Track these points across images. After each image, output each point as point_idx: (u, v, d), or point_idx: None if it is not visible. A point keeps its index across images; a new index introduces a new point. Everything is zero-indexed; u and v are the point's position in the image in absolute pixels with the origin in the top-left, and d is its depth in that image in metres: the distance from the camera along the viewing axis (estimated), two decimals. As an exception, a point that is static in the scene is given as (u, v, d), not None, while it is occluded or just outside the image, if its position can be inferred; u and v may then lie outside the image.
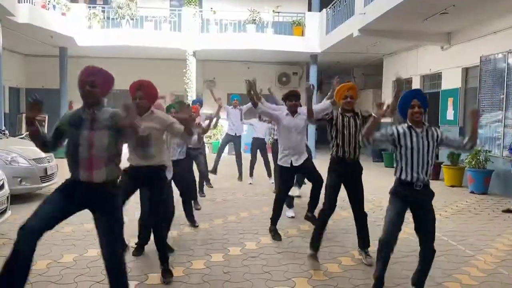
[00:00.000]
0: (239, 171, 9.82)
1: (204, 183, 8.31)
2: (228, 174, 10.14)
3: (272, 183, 9.19)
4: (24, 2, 10.70)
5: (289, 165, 5.27)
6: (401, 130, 3.53)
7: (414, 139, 3.48)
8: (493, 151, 8.77)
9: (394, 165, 3.67)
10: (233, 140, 9.82)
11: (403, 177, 3.52)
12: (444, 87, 11.00)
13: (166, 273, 3.99)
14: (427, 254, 3.61)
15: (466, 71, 10.25)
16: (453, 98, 10.52)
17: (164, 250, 4.12)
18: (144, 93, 3.96)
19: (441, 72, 11.19)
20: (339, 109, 4.62)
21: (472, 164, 8.72)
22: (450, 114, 10.66)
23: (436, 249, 4.93)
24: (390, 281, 4.06)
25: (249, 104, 9.43)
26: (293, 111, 5.37)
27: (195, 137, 5.24)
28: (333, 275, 4.17)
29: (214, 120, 6.90)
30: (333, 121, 4.51)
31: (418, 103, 3.52)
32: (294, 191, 6.58)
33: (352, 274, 4.20)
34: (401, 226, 3.52)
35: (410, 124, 3.54)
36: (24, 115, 14.33)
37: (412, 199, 3.50)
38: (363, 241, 4.66)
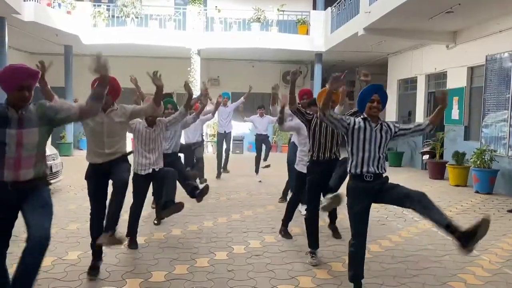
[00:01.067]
0: (220, 166, 9.91)
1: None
2: (232, 172, 10.15)
3: (260, 181, 9.24)
4: (30, 0, 10.73)
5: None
6: (357, 124, 3.51)
7: (368, 132, 3.48)
8: (499, 151, 8.73)
9: (348, 160, 3.59)
10: (225, 136, 10.02)
11: (352, 170, 3.50)
12: (449, 86, 10.95)
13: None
14: (422, 201, 3.36)
15: (471, 70, 10.20)
16: (458, 97, 10.47)
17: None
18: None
19: (446, 71, 11.14)
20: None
21: (477, 163, 8.68)
22: (455, 114, 10.62)
23: (441, 249, 4.95)
24: (395, 280, 4.06)
25: (239, 102, 9.67)
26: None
27: (188, 116, 5.38)
28: (337, 274, 4.16)
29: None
30: (311, 123, 4.51)
31: (378, 98, 3.52)
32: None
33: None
34: (367, 222, 3.55)
35: (366, 116, 3.53)
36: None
37: (370, 190, 3.48)
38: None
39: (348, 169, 3.56)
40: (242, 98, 10.05)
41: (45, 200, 2.93)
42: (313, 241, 4.57)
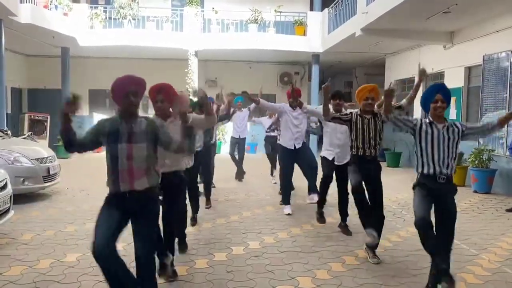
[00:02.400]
0: (238, 170, 9.93)
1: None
2: (230, 174, 10.13)
3: (275, 183, 9.19)
4: (26, 2, 10.69)
5: (331, 159, 5.62)
6: (424, 125, 3.61)
7: (435, 134, 3.55)
8: (497, 150, 8.74)
9: (416, 160, 3.72)
10: (238, 141, 9.93)
11: (425, 171, 3.59)
12: (446, 86, 10.95)
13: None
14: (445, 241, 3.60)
15: (468, 70, 10.22)
16: (456, 97, 10.48)
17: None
18: (165, 96, 3.89)
19: (443, 71, 11.16)
20: (358, 110, 4.69)
21: (475, 163, 8.69)
22: (453, 114, 10.63)
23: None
24: (395, 280, 4.05)
25: (252, 107, 9.62)
26: (337, 111, 5.40)
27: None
28: (337, 274, 4.15)
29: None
30: (351, 121, 4.62)
31: (442, 97, 3.57)
32: (312, 198, 6.72)
33: (356, 273, 4.18)
34: (429, 209, 3.55)
35: (431, 119, 3.61)
36: (26, 115, 14.38)
37: (436, 191, 3.55)
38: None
39: (420, 169, 3.63)
40: (253, 104, 9.96)
41: (154, 222, 3.22)
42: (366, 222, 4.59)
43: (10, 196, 5.14)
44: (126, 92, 3.01)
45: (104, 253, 2.89)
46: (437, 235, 3.55)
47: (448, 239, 3.59)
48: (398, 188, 8.71)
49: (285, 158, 6.59)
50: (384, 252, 4.84)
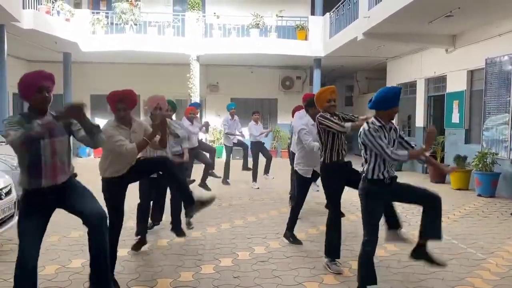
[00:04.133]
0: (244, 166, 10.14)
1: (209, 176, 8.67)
2: (233, 178, 10.10)
3: (272, 178, 9.27)
4: (29, 8, 10.71)
5: (310, 176, 5.23)
6: (379, 131, 3.45)
7: (387, 137, 3.50)
8: (500, 154, 8.71)
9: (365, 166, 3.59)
10: (240, 145, 10.03)
11: (375, 176, 3.51)
12: (449, 90, 10.96)
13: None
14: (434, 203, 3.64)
15: (471, 73, 10.21)
16: (459, 101, 10.48)
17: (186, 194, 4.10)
18: (127, 104, 3.87)
19: (446, 75, 11.15)
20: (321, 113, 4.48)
21: (479, 166, 8.67)
22: (455, 117, 10.62)
23: (447, 253, 4.92)
24: (403, 284, 4.02)
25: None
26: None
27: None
28: (344, 279, 4.13)
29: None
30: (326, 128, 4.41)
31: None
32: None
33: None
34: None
35: (383, 123, 3.50)
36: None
37: (388, 192, 3.58)
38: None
39: (371, 175, 3.55)
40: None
41: (81, 188, 3.25)
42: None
43: (15, 202, 5.12)
44: (40, 87, 2.97)
45: (32, 265, 2.98)
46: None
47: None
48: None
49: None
50: (390, 256, 4.81)
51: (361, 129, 3.55)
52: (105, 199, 3.91)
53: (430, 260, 3.76)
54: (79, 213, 3.13)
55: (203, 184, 8.54)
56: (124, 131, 3.89)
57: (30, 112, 3.04)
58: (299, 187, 5.36)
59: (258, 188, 9.33)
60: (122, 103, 3.84)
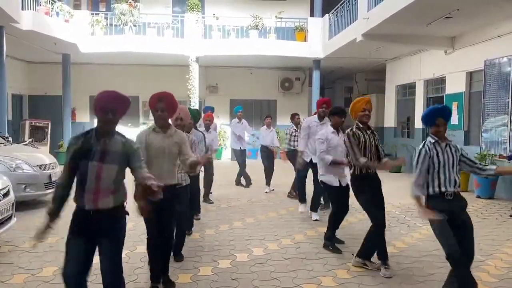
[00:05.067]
0: (240, 178, 9.92)
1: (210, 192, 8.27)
2: (232, 180, 10.10)
3: (271, 190, 9.10)
4: (28, 9, 10.70)
5: (338, 185, 5.18)
6: (429, 152, 3.55)
7: (440, 154, 3.54)
8: (498, 155, 8.71)
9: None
10: (240, 153, 9.79)
11: (430, 191, 3.54)
12: (448, 91, 10.97)
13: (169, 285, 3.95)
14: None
15: (470, 75, 10.21)
16: (458, 102, 10.48)
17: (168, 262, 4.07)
18: (166, 105, 3.82)
19: (445, 77, 11.15)
20: (354, 126, 4.52)
21: (478, 168, 8.65)
22: (454, 119, 10.61)
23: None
24: (402, 286, 4.02)
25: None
26: (337, 126, 5.25)
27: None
28: (343, 281, 4.11)
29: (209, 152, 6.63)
30: (360, 140, 4.43)
31: (443, 121, 3.58)
32: (314, 216, 6.58)
33: (362, 280, 4.14)
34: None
35: (436, 139, 3.59)
36: (27, 121, 14.35)
37: (447, 210, 3.49)
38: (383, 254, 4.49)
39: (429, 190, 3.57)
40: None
41: (121, 240, 3.04)
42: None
43: (12, 203, 5.11)
44: (106, 108, 2.84)
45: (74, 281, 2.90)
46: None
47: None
48: (400, 194, 8.67)
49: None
50: (389, 258, 4.79)
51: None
52: None
53: None
54: (100, 261, 3.00)
55: (206, 199, 8.05)
56: (158, 134, 3.81)
57: (96, 130, 2.93)
58: (330, 197, 5.54)
59: (273, 189, 9.21)
60: (160, 103, 3.80)
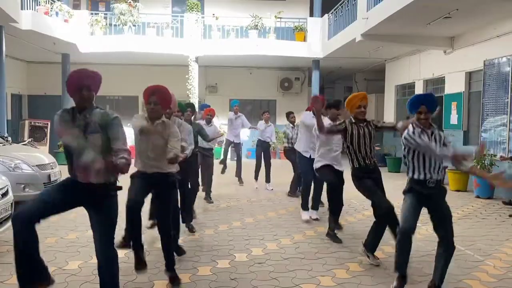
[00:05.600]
0: (238, 174, 10.01)
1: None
2: (231, 179, 10.10)
3: (272, 189, 9.20)
4: (27, 9, 10.70)
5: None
6: (417, 134, 3.70)
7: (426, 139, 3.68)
8: (498, 155, 8.70)
9: (407, 166, 3.90)
10: (234, 146, 10.04)
11: (415, 176, 3.78)
12: (447, 91, 10.97)
13: (175, 280, 3.96)
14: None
15: (469, 75, 10.22)
16: (457, 102, 10.48)
17: (172, 256, 4.10)
18: (158, 98, 3.88)
19: (444, 77, 11.16)
20: (351, 118, 4.72)
21: (477, 168, 8.65)
22: (454, 119, 10.62)
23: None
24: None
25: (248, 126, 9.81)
26: (333, 120, 5.62)
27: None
28: (342, 281, 4.11)
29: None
30: (347, 131, 4.63)
31: (426, 109, 3.73)
32: (314, 214, 6.56)
33: (361, 280, 4.14)
34: (417, 217, 3.77)
35: (421, 126, 3.75)
36: (26, 121, 14.34)
37: (426, 195, 3.78)
38: (374, 244, 4.64)
39: (411, 175, 3.87)
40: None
41: (111, 217, 3.16)
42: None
43: (11, 203, 5.10)
44: (80, 86, 3.01)
45: (26, 224, 2.98)
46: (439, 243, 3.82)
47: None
48: (399, 193, 8.66)
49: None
50: (388, 258, 4.79)
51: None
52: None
53: None
54: (93, 237, 3.16)
55: (207, 197, 8.07)
56: (147, 123, 3.90)
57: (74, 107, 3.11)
58: (324, 177, 5.78)
59: (257, 188, 9.34)
60: (153, 97, 3.86)
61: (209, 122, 8.20)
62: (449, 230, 3.81)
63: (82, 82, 3.02)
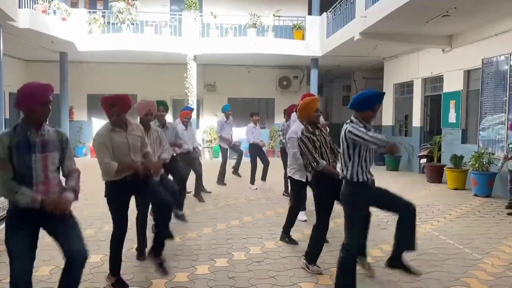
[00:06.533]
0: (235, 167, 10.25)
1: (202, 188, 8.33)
2: (230, 178, 10.10)
3: (265, 185, 9.25)
4: (25, 7, 10.67)
5: (304, 180, 5.25)
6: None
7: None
8: (497, 154, 8.72)
9: (347, 165, 3.60)
10: (233, 146, 10.11)
11: (361, 178, 3.54)
12: (446, 89, 10.97)
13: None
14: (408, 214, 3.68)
15: (468, 73, 10.22)
16: (455, 100, 10.49)
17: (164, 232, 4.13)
18: (120, 109, 3.78)
19: (442, 75, 11.16)
20: (304, 129, 4.40)
21: (475, 166, 8.68)
22: (452, 117, 10.63)
23: (443, 253, 4.92)
24: (398, 285, 4.01)
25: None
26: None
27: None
28: (340, 280, 4.10)
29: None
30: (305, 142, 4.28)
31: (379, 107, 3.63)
32: (301, 216, 6.44)
33: (358, 278, 4.13)
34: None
35: (365, 123, 3.54)
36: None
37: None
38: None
39: (356, 177, 3.55)
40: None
41: (72, 219, 3.08)
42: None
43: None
44: (47, 101, 2.87)
45: (25, 282, 2.88)
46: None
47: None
48: (398, 192, 8.67)
49: None
50: (386, 256, 4.75)
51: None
52: (108, 203, 3.90)
53: (406, 269, 3.77)
54: (61, 244, 2.98)
55: (198, 195, 8.09)
56: (119, 133, 3.82)
57: (25, 124, 2.90)
58: (295, 190, 5.48)
59: (257, 189, 9.32)
60: (115, 108, 3.76)
61: (186, 125, 7.74)
62: (398, 197, 3.72)
63: (48, 96, 2.88)
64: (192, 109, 8.88)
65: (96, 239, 5.33)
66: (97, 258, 4.57)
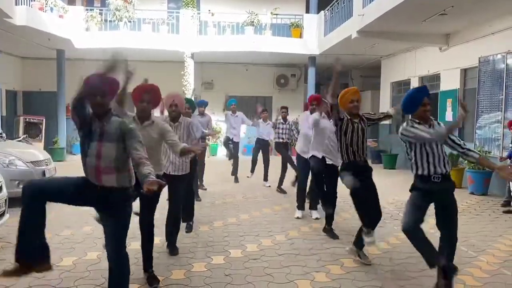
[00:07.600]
0: (234, 173, 9.93)
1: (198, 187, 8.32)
2: (227, 176, 10.11)
3: (269, 186, 9.22)
4: (22, 4, 10.63)
5: (320, 157, 5.74)
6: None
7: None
8: (493, 152, 8.76)
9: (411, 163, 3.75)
10: (233, 144, 10.00)
11: (419, 172, 3.64)
12: (442, 88, 11.00)
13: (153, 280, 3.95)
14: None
15: (464, 72, 10.25)
16: (452, 99, 10.52)
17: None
18: (152, 97, 3.86)
19: (439, 73, 11.19)
20: (346, 114, 4.56)
21: (471, 165, 8.71)
22: (449, 115, 10.65)
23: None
24: (394, 282, 4.04)
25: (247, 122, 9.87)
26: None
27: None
28: (336, 277, 4.13)
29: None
30: (343, 122, 4.44)
31: (428, 100, 3.68)
32: (314, 214, 6.50)
33: (355, 276, 4.16)
34: (418, 215, 3.66)
35: (418, 121, 3.67)
36: (21, 117, 14.26)
37: (432, 191, 3.63)
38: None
39: (415, 171, 3.69)
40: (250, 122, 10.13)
41: (123, 223, 3.10)
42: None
43: (5, 200, 5.09)
44: (94, 92, 2.98)
45: (37, 195, 2.92)
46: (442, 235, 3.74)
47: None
48: (394, 190, 8.71)
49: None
50: (382, 254, 4.83)
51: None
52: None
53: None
54: (105, 242, 3.14)
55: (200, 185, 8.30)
56: (136, 126, 3.76)
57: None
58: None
59: (270, 186, 9.32)
60: (149, 95, 3.88)
61: (202, 113, 8.48)
62: (453, 229, 3.69)
63: (97, 88, 2.97)
64: (205, 103, 8.94)
65: (71, 240, 5.22)
66: (69, 262, 4.46)
